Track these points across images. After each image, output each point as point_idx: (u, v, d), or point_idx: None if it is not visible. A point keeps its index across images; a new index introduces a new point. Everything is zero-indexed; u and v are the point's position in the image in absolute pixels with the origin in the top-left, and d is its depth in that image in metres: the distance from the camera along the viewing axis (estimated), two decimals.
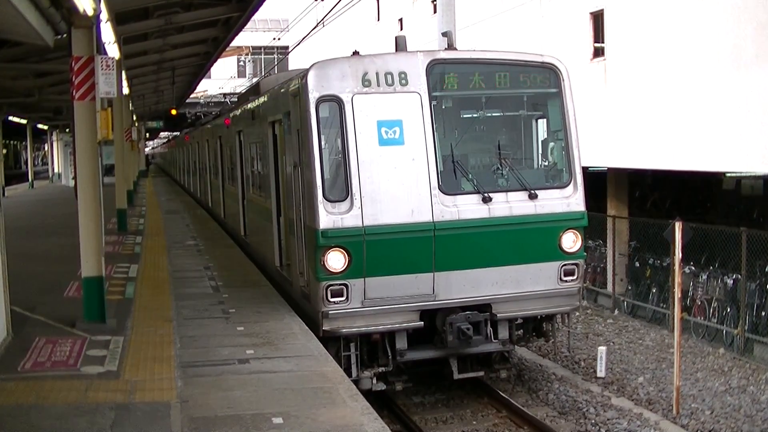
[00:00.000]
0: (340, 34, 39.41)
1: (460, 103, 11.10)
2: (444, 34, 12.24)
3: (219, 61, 34.22)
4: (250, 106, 15.31)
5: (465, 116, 11.40)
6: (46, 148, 64.70)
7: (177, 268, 15.04)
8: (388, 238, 9.93)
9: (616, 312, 18.21)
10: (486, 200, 10.28)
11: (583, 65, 18.74)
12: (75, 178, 11.54)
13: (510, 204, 10.41)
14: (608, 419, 10.78)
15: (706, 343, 15.03)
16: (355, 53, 10.64)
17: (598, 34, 18.69)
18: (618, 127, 17.70)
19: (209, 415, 7.14)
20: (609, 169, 19.46)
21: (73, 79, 10.01)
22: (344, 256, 9.83)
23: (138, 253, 17.00)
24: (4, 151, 59.15)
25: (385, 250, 9.93)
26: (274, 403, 7.48)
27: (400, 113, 10.12)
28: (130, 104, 30.53)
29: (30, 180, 45.23)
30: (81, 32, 10.14)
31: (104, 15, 12.32)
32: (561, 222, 10.59)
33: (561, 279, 10.67)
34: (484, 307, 10.40)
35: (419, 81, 10.22)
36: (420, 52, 10.52)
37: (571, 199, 10.68)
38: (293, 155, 11.02)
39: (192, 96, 47.70)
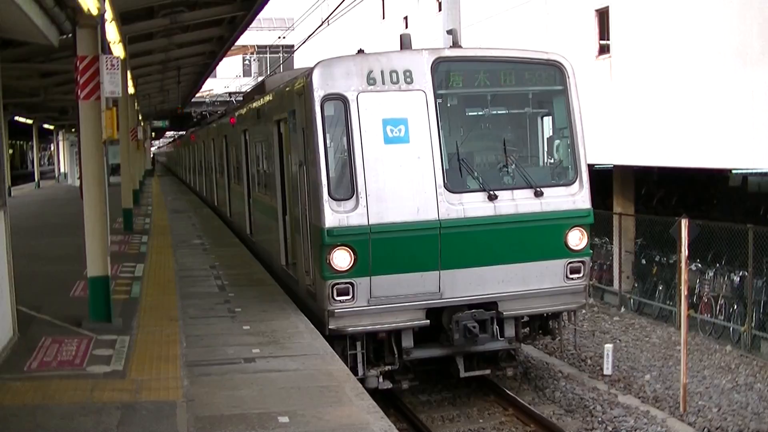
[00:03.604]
0: (346, 32, 39.38)
1: (465, 100, 11.07)
2: (449, 32, 12.20)
3: (224, 60, 34.32)
4: (255, 105, 15.30)
5: (470, 114, 11.37)
6: (52, 148, 64.77)
7: (183, 267, 15.04)
8: (393, 236, 9.91)
9: (623, 309, 18.17)
10: (492, 198, 10.26)
11: (588, 62, 18.70)
12: (80, 177, 11.55)
13: (516, 202, 10.38)
14: (615, 417, 10.75)
15: (713, 341, 14.99)
16: (360, 51, 10.62)
17: (604, 32, 18.64)
18: (624, 124, 17.65)
19: (215, 414, 7.14)
20: (615, 166, 19.43)
21: (78, 78, 10.01)
22: (350, 254, 9.82)
23: (144, 252, 17.01)
24: (11, 151, 59.22)
25: (390, 248, 9.91)
26: (280, 402, 7.47)
27: (405, 111, 10.10)
28: (136, 104, 30.56)
29: (36, 180, 45.27)
30: (86, 32, 10.15)
31: (109, 14, 12.30)
32: (567, 219, 10.56)
33: (567, 276, 10.65)
34: (490, 305, 10.38)
35: (424, 79, 10.19)
36: (425, 50, 10.49)
37: (576, 197, 10.65)
38: (298, 154, 11.00)
39: (197, 95, 47.73)
